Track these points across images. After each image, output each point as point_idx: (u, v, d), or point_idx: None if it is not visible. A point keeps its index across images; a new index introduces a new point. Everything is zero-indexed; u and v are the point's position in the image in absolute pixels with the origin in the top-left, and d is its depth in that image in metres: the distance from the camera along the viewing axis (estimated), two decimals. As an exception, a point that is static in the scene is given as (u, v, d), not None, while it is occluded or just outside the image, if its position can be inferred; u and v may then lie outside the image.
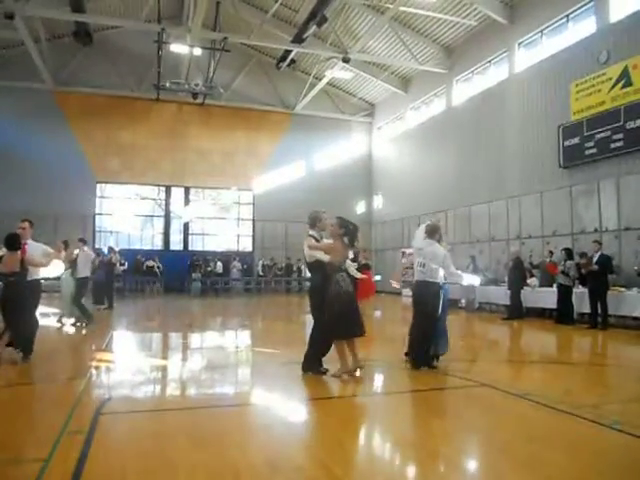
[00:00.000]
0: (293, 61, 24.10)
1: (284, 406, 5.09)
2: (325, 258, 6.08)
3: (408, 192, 24.08)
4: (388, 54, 22.47)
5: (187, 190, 25.98)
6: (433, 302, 6.48)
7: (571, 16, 15.81)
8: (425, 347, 6.52)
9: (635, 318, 10.94)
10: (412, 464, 3.59)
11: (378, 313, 17.24)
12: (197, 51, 21.02)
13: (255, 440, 3.96)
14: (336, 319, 5.78)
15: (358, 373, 6.06)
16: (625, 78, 13.72)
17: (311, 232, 6.35)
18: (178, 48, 20.86)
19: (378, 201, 27.84)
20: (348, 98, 27.85)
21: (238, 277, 25.01)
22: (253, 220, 26.72)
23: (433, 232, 6.78)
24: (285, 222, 26.46)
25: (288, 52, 22.87)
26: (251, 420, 4.59)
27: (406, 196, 24.31)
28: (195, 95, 22.61)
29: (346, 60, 20.73)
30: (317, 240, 6.27)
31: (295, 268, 25.60)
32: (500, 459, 3.56)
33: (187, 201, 25.93)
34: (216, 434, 4.06)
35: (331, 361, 6.12)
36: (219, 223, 27.04)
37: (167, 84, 21.15)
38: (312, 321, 6.23)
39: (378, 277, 20.16)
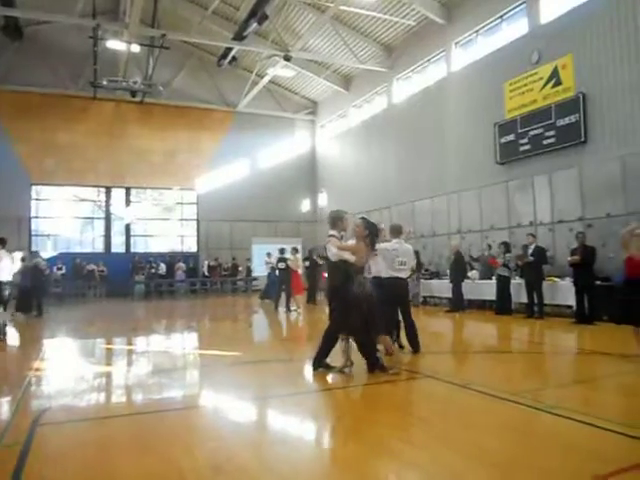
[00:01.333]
0: (234, 59, 23.88)
1: (231, 407, 5.06)
2: (352, 259, 6.05)
3: (352, 189, 24.34)
4: (329, 52, 22.61)
5: (128, 191, 25.30)
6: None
7: (505, 17, 16.37)
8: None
9: (569, 306, 11.46)
10: (355, 456, 3.65)
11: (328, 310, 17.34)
12: (135, 48, 20.51)
13: (201, 443, 3.93)
14: (370, 318, 5.86)
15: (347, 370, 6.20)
16: (555, 77, 14.34)
17: (332, 232, 6.33)
18: (115, 45, 20.26)
19: (323, 198, 28.00)
20: (291, 96, 27.85)
21: (183, 278, 24.60)
22: (197, 220, 26.33)
23: (398, 232, 6.97)
24: (230, 221, 26.24)
25: (229, 50, 22.64)
26: (198, 422, 4.54)
27: (350, 193, 24.55)
28: (134, 93, 22.04)
29: (287, 58, 20.71)
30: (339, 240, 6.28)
31: (241, 268, 25.40)
32: (441, 447, 3.67)
33: (128, 202, 25.26)
34: (161, 439, 4.00)
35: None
36: (162, 224, 26.49)
37: (104, 82, 20.51)
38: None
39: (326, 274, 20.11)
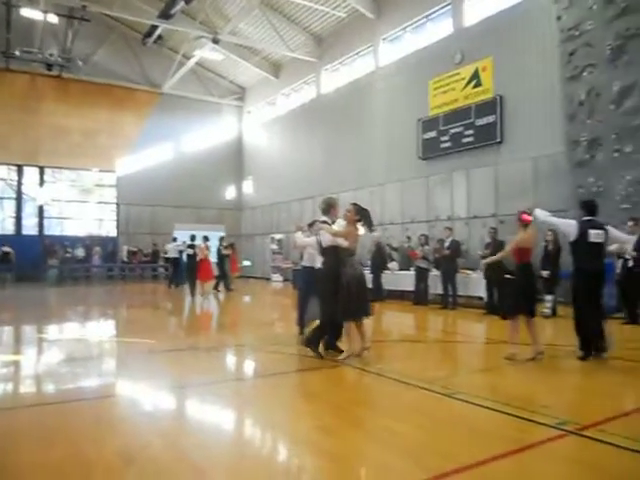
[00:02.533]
0: (160, 37, 23.15)
1: (146, 396, 4.99)
2: (345, 243, 6.25)
3: (278, 178, 24.32)
4: (259, 38, 22.38)
5: (42, 170, 23.91)
6: None
7: (431, 17, 16.85)
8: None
9: (480, 298, 12.07)
10: (268, 444, 3.72)
11: (247, 298, 17.33)
12: (52, 18, 19.31)
13: (112, 433, 3.85)
14: (355, 300, 6.13)
15: (366, 353, 6.30)
16: (476, 79, 14.96)
17: (324, 218, 6.52)
18: (30, 13, 18.98)
19: (248, 186, 27.78)
20: (218, 80, 27.34)
21: (100, 263, 23.70)
22: (117, 204, 25.36)
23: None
24: (152, 206, 25.50)
25: (155, 28, 21.91)
26: (110, 413, 4.43)
27: (276, 182, 24.53)
28: (50, 66, 20.78)
29: (216, 41, 20.31)
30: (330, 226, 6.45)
31: (163, 254, 24.75)
32: (353, 433, 3.81)
33: (42, 182, 23.92)
34: (71, 430, 3.89)
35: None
36: (79, 206, 25.28)
37: (17, 52, 19.23)
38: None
39: (248, 262, 20.16)
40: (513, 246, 6.61)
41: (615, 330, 8.81)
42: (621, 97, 10.96)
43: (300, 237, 7.92)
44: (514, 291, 6.59)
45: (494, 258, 7.76)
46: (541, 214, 6.58)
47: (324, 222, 6.49)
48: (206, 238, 16.08)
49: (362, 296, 6.31)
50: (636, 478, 2.94)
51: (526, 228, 6.51)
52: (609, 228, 6.62)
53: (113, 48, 24.30)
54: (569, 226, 6.45)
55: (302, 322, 7.95)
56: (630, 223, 9.20)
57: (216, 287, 16.78)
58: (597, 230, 6.25)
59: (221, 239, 17.61)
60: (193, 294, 15.44)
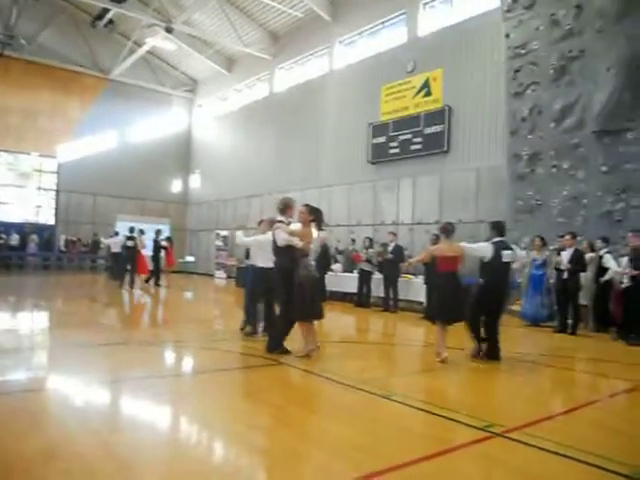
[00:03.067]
0: (111, 22, 22.53)
1: (77, 391, 4.82)
2: (300, 244, 6.27)
3: (226, 174, 24.07)
4: (214, 31, 22.10)
5: (-24, 151, 22.79)
6: None
7: (386, 24, 17.12)
8: None
9: (420, 302, 12.32)
10: (198, 441, 3.68)
11: (189, 294, 17.07)
12: (-5, -7, 18.49)
13: (36, 428, 3.69)
14: (308, 301, 6.21)
15: (314, 353, 6.36)
16: (426, 88, 15.30)
17: (280, 217, 6.55)
18: (-29, -14, 18.12)
19: (195, 180, 27.36)
20: (170, 70, 26.81)
21: (35, 252, 22.75)
22: (57, 190, 24.41)
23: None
24: (94, 195, 24.72)
25: (106, 11, 21.28)
26: (38, 407, 4.25)
27: (224, 178, 24.27)
28: (-9, 43, 19.88)
29: (169, 30, 19.93)
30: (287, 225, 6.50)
31: (102, 245, 23.99)
32: (289, 433, 3.81)
33: (-24, 163, 22.76)
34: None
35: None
36: (16, 191, 24.15)
37: (-45, 26, 18.28)
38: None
39: (191, 258, 19.90)
40: (426, 254, 7.08)
41: (546, 338, 9.22)
42: (562, 115, 11.46)
43: (240, 236, 7.99)
44: (436, 298, 6.93)
45: (411, 261, 8.01)
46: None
47: (280, 222, 6.49)
48: (142, 232, 15.97)
49: (316, 297, 6.40)
50: (551, 477, 3.07)
51: (448, 238, 6.76)
52: (514, 247, 7.28)
53: (61, 29, 23.38)
54: (485, 248, 6.80)
55: (249, 319, 7.98)
56: (567, 237, 9.60)
57: (147, 281, 16.52)
58: (508, 250, 6.79)
59: (158, 232, 17.27)
60: (132, 287, 15.10)
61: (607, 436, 3.91)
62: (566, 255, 9.52)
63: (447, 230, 6.77)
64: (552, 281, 10.18)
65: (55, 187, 24.46)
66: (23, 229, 22.85)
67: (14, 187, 24.08)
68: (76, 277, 20.06)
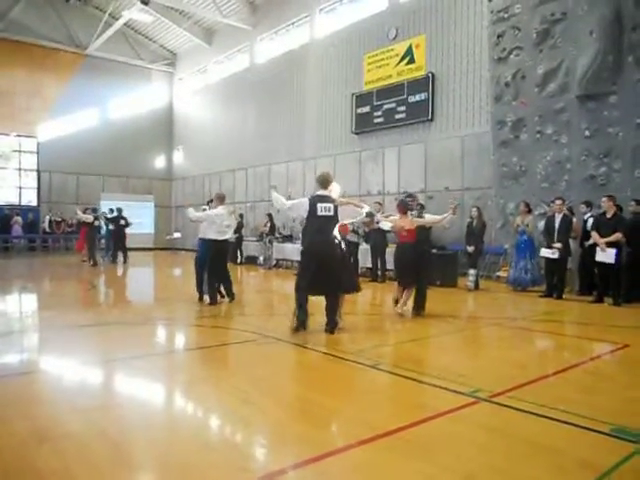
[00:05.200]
0: (85, -6, 21.85)
1: (66, 372, 4.82)
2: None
3: (210, 148, 23.82)
4: (191, 1, 21.56)
5: (-48, 133, 22.30)
6: None
7: (367, -10, 16.78)
8: None
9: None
10: (186, 416, 3.71)
11: (178, 271, 17.04)
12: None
13: (27, 410, 3.69)
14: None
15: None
16: (409, 55, 15.13)
17: (322, 192, 6.49)
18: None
19: (179, 156, 27.05)
20: (148, 44, 26.24)
21: (20, 234, 22.49)
22: (38, 171, 24.02)
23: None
24: (77, 174, 24.38)
25: (79, -16, 20.64)
26: (26, 389, 4.25)
27: (207, 152, 24.02)
28: (-40, 20, 19.25)
29: (145, 2, 19.45)
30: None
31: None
32: (276, 405, 3.85)
33: (-48, 145, 22.29)
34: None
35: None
36: (-5, 173, 23.75)
37: None
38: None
39: (178, 234, 19.90)
40: (390, 221, 8.08)
41: (532, 303, 9.34)
42: (545, 80, 11.39)
43: (191, 211, 8.95)
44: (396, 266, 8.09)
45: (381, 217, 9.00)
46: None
47: (324, 196, 6.42)
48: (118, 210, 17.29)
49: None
50: (539, 439, 3.14)
51: (404, 214, 7.73)
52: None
53: (32, 4, 22.68)
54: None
55: (200, 289, 8.84)
56: (558, 202, 9.66)
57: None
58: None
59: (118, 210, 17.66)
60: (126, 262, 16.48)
61: (589, 396, 3.99)
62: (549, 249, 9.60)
63: (403, 206, 7.76)
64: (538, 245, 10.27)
65: (36, 167, 24.04)
66: (5, 211, 22.52)
67: (-6, 168, 23.65)
68: (62, 258, 19.88)
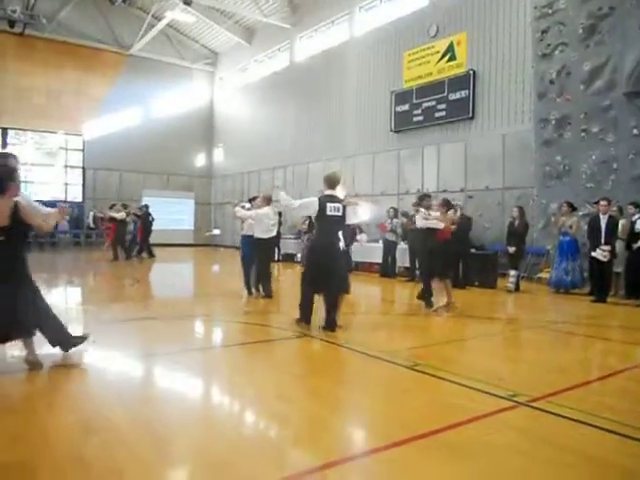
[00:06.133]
0: (129, -4, 22.36)
1: (109, 365, 4.96)
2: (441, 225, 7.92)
3: (249, 146, 24.05)
4: (233, 1, 21.81)
5: (5, 132, 23.16)
6: None
7: (407, -13, 16.64)
8: None
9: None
10: (227, 412, 3.77)
11: (217, 267, 17.29)
12: (15, -28, 18.52)
13: (71, 402, 3.83)
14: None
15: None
16: (450, 52, 14.93)
17: (329, 192, 6.41)
18: (-9, -34, 18.17)
19: (219, 154, 27.42)
20: (190, 44, 26.66)
21: (66, 229, 23.21)
22: (83, 168, 24.75)
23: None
24: (120, 171, 25.00)
25: (124, -14, 21.13)
26: (70, 382, 4.40)
27: (247, 150, 24.27)
28: (12, 23, 19.97)
29: (188, 2, 19.75)
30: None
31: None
32: (314, 403, 3.87)
33: (5, 144, 23.13)
34: (26, 399, 3.86)
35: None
36: (44, 170, 24.56)
37: (-23, 7, 18.42)
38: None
39: (217, 231, 20.14)
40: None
41: (574, 305, 9.12)
42: (591, 77, 11.09)
43: (240, 210, 9.12)
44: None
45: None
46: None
47: (331, 196, 6.36)
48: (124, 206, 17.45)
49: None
50: (582, 448, 3.08)
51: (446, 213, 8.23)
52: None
53: (80, 6, 23.35)
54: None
55: (248, 284, 9.23)
56: (603, 203, 9.35)
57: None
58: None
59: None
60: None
61: (635, 405, 3.87)
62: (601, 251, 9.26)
63: (446, 204, 8.39)
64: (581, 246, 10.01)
65: (81, 164, 24.77)
66: (52, 207, 23.23)
67: (42, 166, 24.47)
68: (105, 253, 20.42)
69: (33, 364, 4.36)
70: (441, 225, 8.01)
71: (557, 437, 3.22)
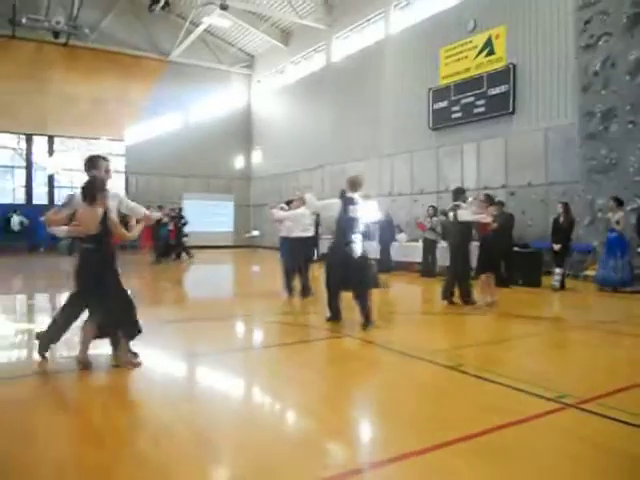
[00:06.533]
0: (167, 4, 22.80)
1: (154, 366, 5.07)
2: (488, 219, 8.22)
3: (287, 147, 24.18)
4: (268, 4, 21.97)
5: (51, 139, 23.92)
6: None
7: (443, -18, 16.41)
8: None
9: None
10: (268, 412, 3.80)
11: (257, 268, 17.44)
12: (59, -15, 19.11)
13: (121, 401, 3.93)
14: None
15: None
16: (489, 47, 14.65)
17: (351, 194, 6.73)
18: (36, -21, 18.80)
19: (257, 155, 27.66)
20: (227, 48, 26.98)
21: (111, 233, 23.78)
22: (125, 173, 25.37)
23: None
24: (161, 175, 25.48)
25: (162, -6, 21.57)
26: (120, 381, 4.51)
27: (285, 151, 24.40)
28: (57, 34, 20.61)
29: (224, 7, 19.96)
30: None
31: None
32: (355, 404, 3.86)
33: (51, 151, 23.94)
34: (79, 398, 3.98)
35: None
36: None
37: (24, 19, 19.05)
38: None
39: (257, 232, 20.28)
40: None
41: (624, 304, 8.82)
42: (637, 67, 10.71)
43: (277, 212, 9.49)
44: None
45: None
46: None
47: (348, 198, 6.69)
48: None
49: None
50: (627, 449, 2.97)
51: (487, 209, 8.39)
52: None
53: (120, 15, 23.97)
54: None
55: (289, 284, 9.23)
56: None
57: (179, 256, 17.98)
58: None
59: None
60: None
61: (691, 407, 3.72)
62: None
63: (489, 200, 8.79)
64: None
65: (124, 170, 25.39)
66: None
67: (87, 172, 25.14)
68: (146, 256, 20.88)
69: (84, 364, 4.50)
70: (489, 219, 8.16)
71: (607, 440, 3.12)
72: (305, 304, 8.72)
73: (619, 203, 9.93)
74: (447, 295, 8.45)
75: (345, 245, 6.48)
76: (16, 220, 21.61)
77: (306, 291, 9.11)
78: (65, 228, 4.78)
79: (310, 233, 9.37)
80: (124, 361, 4.62)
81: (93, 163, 4.90)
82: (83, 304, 4.67)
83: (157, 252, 16.77)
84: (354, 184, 6.71)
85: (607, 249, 10.02)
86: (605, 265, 10.03)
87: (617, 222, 9.77)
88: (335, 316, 6.64)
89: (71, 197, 4.91)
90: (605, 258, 10.05)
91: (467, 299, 8.23)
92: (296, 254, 9.15)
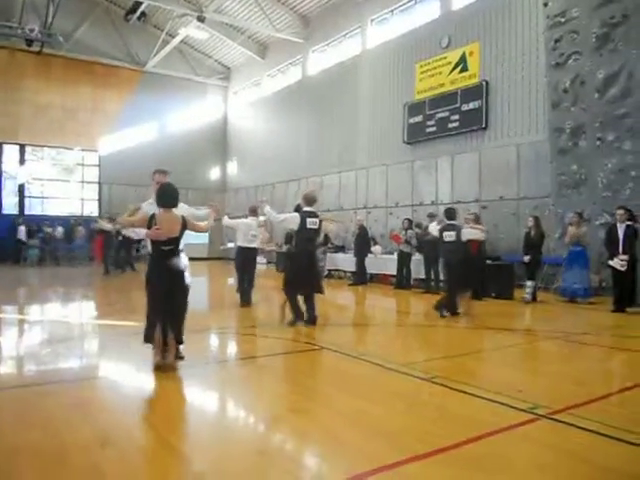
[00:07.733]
0: (144, 14, 22.73)
1: (126, 379, 4.98)
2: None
3: (263, 159, 24.17)
4: (245, 17, 22.04)
5: (22, 148, 23.49)
6: None
7: (418, -1, 16.72)
8: None
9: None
10: (245, 426, 3.75)
11: (231, 280, 17.30)
12: (33, -8, 18.89)
13: (90, 416, 3.83)
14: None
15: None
16: (463, 63, 14.93)
17: (307, 208, 7.60)
18: (9, -14, 18.56)
19: (233, 167, 27.58)
20: (203, 59, 26.96)
21: (83, 244, 23.41)
22: (99, 183, 25.02)
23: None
24: (135, 186, 25.13)
25: (138, 4, 21.54)
26: (89, 395, 4.41)
27: (261, 163, 24.38)
28: (30, 42, 20.33)
29: (201, 19, 20.00)
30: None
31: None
32: (328, 415, 3.84)
33: (23, 160, 23.50)
34: (46, 413, 3.86)
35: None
36: (61, 185, 24.88)
37: (-4, 27, 18.78)
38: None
39: (231, 244, 20.20)
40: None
41: (592, 315, 8.98)
42: (605, 85, 11.01)
43: (225, 219, 10.04)
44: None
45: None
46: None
47: (310, 212, 7.51)
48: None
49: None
50: (599, 459, 3.01)
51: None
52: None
53: (96, 24, 23.75)
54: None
55: (241, 291, 9.66)
56: (620, 211, 9.29)
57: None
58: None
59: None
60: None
61: (659, 417, 3.79)
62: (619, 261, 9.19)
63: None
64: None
65: (97, 180, 25.03)
66: (69, 222, 23.48)
67: (59, 181, 24.79)
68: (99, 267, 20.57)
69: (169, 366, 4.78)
70: (483, 236, 8.89)
71: (579, 450, 3.15)
72: (276, 316, 8.64)
73: (581, 218, 10.36)
74: (454, 309, 8.55)
75: (307, 253, 7.33)
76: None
77: (246, 299, 9.49)
78: (144, 231, 4.95)
79: (254, 244, 9.64)
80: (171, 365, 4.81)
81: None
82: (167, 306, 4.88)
83: (106, 263, 16.53)
84: (310, 200, 7.53)
85: (568, 261, 10.39)
86: (568, 277, 10.42)
87: (580, 236, 10.14)
88: (300, 317, 7.31)
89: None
90: (566, 270, 10.45)
91: (456, 310, 8.58)
92: (238, 263, 9.61)
